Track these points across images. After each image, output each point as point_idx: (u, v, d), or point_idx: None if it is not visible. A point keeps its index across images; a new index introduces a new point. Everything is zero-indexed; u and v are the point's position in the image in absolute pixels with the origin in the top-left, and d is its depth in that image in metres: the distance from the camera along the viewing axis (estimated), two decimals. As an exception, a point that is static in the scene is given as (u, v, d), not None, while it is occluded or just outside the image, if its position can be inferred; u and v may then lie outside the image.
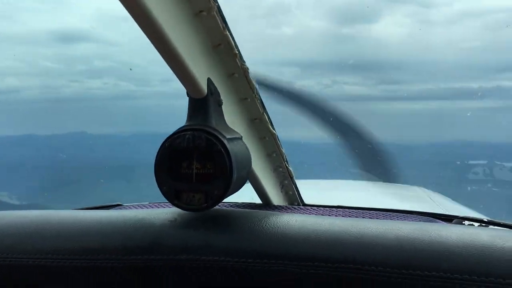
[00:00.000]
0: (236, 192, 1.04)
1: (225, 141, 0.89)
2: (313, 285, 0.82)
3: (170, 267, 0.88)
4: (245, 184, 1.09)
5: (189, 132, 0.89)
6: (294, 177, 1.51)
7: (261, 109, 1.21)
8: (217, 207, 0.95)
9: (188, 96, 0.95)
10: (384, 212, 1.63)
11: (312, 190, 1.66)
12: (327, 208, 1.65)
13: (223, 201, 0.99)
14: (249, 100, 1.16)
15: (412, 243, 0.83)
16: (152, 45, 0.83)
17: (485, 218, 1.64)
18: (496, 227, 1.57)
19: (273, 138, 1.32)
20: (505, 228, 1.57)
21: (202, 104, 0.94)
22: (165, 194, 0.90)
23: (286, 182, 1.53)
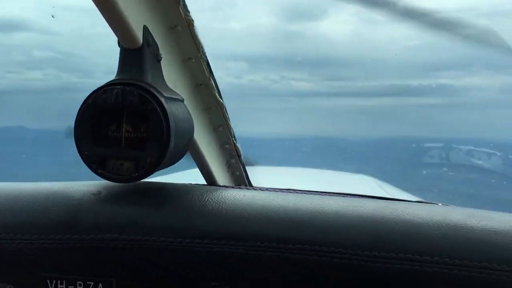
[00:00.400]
0: (177, 175, 0.93)
1: (162, 100, 0.75)
2: (262, 268, 0.72)
3: (91, 248, 0.75)
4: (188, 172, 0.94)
5: (118, 87, 0.74)
6: (242, 156, 1.37)
7: (207, 73, 1.03)
8: (150, 179, 0.84)
9: (119, 46, 0.79)
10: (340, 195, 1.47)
11: (259, 175, 1.56)
12: (278, 191, 1.44)
13: (158, 181, 0.90)
14: (193, 60, 0.98)
15: (376, 222, 0.74)
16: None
17: (440, 204, 1.50)
18: None
19: (220, 109, 1.14)
20: None
21: (136, 56, 0.78)
22: (86, 161, 0.76)
23: (233, 161, 1.35)
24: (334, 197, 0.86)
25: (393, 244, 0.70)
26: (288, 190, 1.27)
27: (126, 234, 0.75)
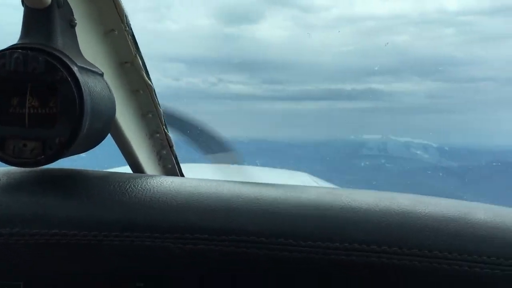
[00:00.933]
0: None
1: (75, 69, 0.64)
2: (192, 263, 0.64)
3: None
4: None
5: (19, 51, 0.62)
6: (174, 147, 1.26)
7: (133, 50, 0.92)
8: (60, 164, 0.71)
9: (23, 5, 0.67)
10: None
11: (192, 173, 1.42)
12: (212, 181, 1.23)
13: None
14: (116, 33, 0.87)
15: (320, 209, 0.68)
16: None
17: None
18: None
19: (149, 92, 1.03)
20: None
21: (43, 17, 0.66)
22: None
23: (165, 152, 1.24)
24: (273, 186, 0.78)
25: (337, 232, 0.64)
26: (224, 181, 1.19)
27: (29, 228, 0.63)
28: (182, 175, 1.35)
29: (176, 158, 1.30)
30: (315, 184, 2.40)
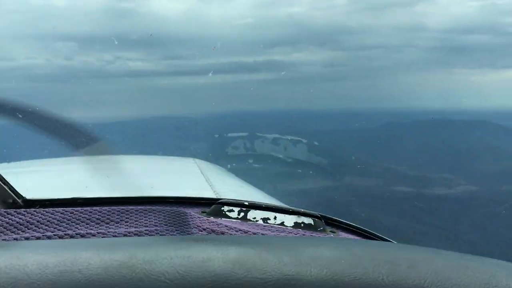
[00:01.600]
0: None
1: None
2: None
3: None
4: None
5: None
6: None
7: None
8: None
9: None
10: (138, 207, 1.30)
11: (38, 177, 1.22)
12: (59, 209, 1.19)
13: None
14: None
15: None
16: None
17: (246, 201, 1.45)
18: (258, 210, 1.41)
19: None
20: (268, 212, 1.42)
21: None
22: None
23: None
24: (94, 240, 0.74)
25: None
26: (73, 205, 1.14)
27: None
28: (20, 196, 1.22)
29: (7, 184, 1.14)
30: (199, 175, 2.29)
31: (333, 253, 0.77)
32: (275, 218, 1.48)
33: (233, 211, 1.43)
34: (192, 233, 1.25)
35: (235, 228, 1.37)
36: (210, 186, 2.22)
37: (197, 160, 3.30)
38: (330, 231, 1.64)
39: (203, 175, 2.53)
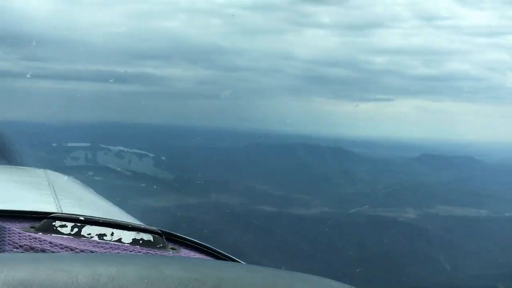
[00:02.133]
0: None
1: None
2: None
3: None
4: None
5: None
6: None
7: None
8: None
9: None
10: None
11: None
12: None
13: None
14: None
15: None
16: None
17: (81, 216, 1.34)
18: (94, 226, 1.33)
19: None
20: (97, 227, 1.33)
21: None
22: None
23: None
24: None
25: None
26: None
27: None
28: None
29: None
30: (47, 188, 2.14)
31: (159, 271, 0.71)
32: (112, 234, 1.39)
33: (66, 226, 1.30)
34: (4, 250, 1.10)
35: (60, 245, 1.23)
36: (54, 200, 2.02)
37: (48, 171, 3.03)
38: (170, 248, 1.58)
39: (50, 187, 2.31)
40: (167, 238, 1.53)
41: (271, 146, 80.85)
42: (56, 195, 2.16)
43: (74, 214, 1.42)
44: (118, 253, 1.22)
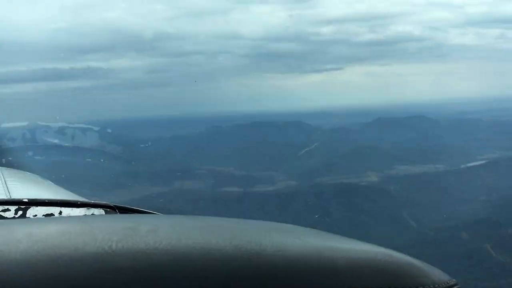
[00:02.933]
0: None
1: None
2: None
3: None
4: None
5: None
6: None
7: None
8: None
9: None
10: None
11: None
12: None
13: None
14: None
15: None
16: None
17: (25, 199, 1.29)
18: (40, 207, 1.27)
19: None
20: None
21: None
22: None
23: None
24: None
25: None
26: None
27: None
28: None
29: None
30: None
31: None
32: (60, 213, 1.34)
33: (9, 210, 1.26)
34: None
35: None
36: (5, 190, 2.02)
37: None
38: None
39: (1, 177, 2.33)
40: (122, 212, 1.46)
41: (229, 127, 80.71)
42: (6, 185, 2.12)
43: (16, 198, 1.36)
44: None
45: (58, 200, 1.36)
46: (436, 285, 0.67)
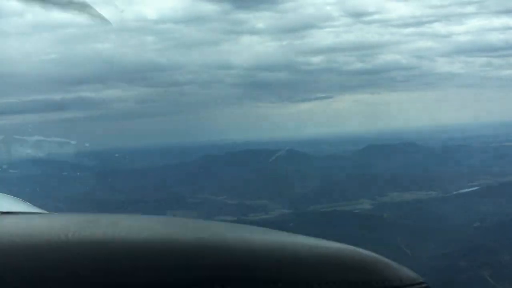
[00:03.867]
0: None
1: None
2: None
3: None
4: None
5: None
6: None
7: None
8: None
9: None
10: None
11: None
12: None
13: None
14: None
15: None
16: None
17: None
18: None
19: None
20: None
21: None
22: None
23: None
24: None
25: None
26: None
27: None
28: None
29: None
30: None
31: None
32: None
33: None
34: None
35: None
36: None
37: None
38: None
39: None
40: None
41: (222, 156, 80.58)
42: None
43: None
44: None
45: None
46: (403, 282, 0.65)
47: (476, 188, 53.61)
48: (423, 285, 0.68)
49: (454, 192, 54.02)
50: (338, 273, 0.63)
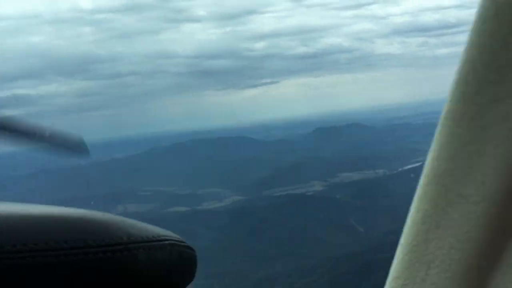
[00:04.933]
0: None
1: None
2: None
3: None
4: None
5: None
6: None
7: None
8: None
9: None
10: None
11: None
12: None
13: None
14: None
15: None
16: None
17: None
18: None
19: None
20: None
21: None
22: None
23: None
24: None
25: None
26: None
27: None
28: None
29: None
30: None
31: None
32: None
33: None
34: None
35: None
36: None
37: None
38: None
39: None
40: None
41: (170, 147, 79.34)
42: None
43: None
44: None
45: None
46: (141, 238, 0.61)
47: (420, 163, 55.47)
48: (168, 242, 0.63)
49: (400, 169, 55.77)
50: (56, 233, 0.56)
